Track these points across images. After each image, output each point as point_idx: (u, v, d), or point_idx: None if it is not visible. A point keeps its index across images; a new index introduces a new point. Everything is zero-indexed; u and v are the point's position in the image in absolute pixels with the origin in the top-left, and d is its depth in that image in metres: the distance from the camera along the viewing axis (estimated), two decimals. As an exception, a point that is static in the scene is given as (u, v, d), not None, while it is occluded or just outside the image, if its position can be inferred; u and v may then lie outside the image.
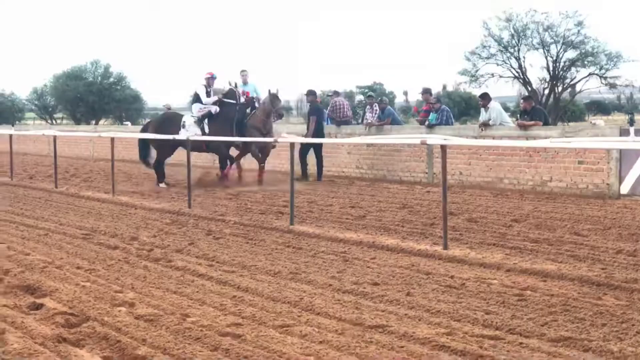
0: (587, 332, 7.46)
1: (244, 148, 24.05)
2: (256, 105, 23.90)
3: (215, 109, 23.36)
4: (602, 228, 13.62)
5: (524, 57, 65.23)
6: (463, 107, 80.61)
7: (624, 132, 17.90)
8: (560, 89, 66.33)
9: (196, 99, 23.82)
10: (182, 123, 23.32)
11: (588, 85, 67.26)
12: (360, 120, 26.51)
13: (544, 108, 42.52)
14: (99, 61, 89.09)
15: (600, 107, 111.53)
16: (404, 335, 7.47)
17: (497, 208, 16.59)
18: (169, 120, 23.96)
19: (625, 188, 18.74)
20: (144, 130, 24.64)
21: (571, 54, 64.25)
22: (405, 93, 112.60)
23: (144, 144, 24.19)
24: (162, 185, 23.16)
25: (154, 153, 23.89)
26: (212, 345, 7.30)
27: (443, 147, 12.79)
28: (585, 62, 64.22)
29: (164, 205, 18.28)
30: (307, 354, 6.99)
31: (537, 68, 64.39)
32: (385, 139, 22.66)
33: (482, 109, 22.56)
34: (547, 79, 64.68)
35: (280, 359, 6.86)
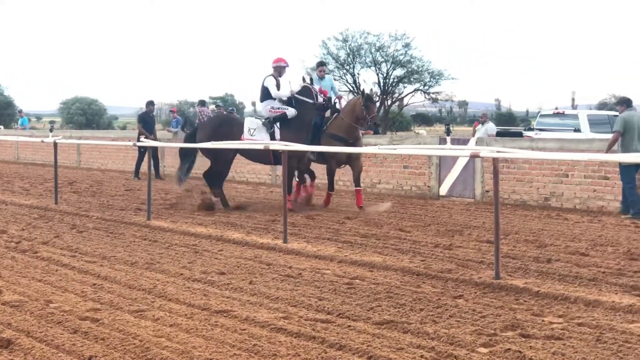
0: (407, 316, 7.59)
1: (324, 163, 17.09)
2: (337, 107, 17.07)
3: (292, 111, 16.38)
4: (422, 225, 13.89)
5: (358, 74, 66.09)
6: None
7: (442, 141, 18.30)
8: (389, 102, 67.57)
9: (265, 94, 16.64)
10: (245, 128, 16.55)
11: (414, 100, 69.03)
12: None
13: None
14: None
15: (424, 119, 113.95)
16: (246, 319, 7.47)
17: (333, 207, 16.74)
18: (227, 124, 17.06)
19: (443, 190, 19.20)
20: (190, 137, 17.24)
21: (399, 71, 65.56)
22: (254, 104, 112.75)
23: (185, 153, 17.32)
24: (215, 198, 16.96)
25: (195, 165, 17.74)
26: (72, 328, 7.17)
27: (284, 152, 12.85)
28: (412, 79, 65.64)
29: (33, 201, 17.85)
30: (159, 336, 6.92)
31: (370, 83, 65.21)
32: (235, 144, 22.60)
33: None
34: (379, 94, 65.67)
35: (134, 341, 6.77)
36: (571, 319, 7.48)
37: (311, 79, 17.30)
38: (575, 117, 28.58)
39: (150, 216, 14.65)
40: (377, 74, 65.70)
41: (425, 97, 67.49)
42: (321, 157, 16.75)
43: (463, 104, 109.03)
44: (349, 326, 7.24)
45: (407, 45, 64.58)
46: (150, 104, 26.37)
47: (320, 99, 16.60)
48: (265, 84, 16.58)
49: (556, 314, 7.69)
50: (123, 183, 23.51)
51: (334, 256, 10.86)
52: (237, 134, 16.43)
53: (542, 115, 30.69)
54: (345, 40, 65.21)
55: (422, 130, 60.05)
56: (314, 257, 10.90)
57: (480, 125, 27.30)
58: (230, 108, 28.08)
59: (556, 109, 33.81)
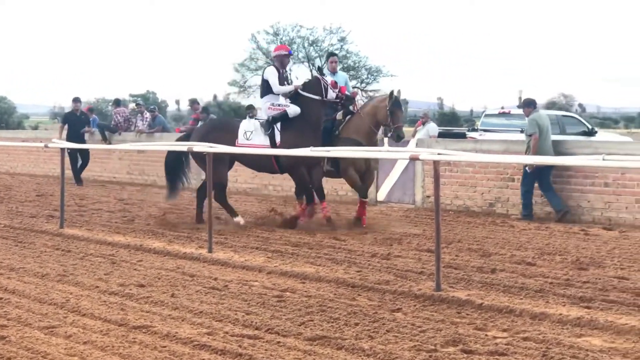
0: (342, 331, 7.60)
1: (339, 171, 15.38)
2: (355, 107, 15.43)
3: (294, 109, 14.81)
4: (358, 233, 13.92)
5: (290, 70, 65.93)
6: (232, 117, 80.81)
7: (380, 144, 18.39)
8: (324, 100, 67.49)
9: (265, 88, 15.13)
10: (240, 131, 15.09)
11: (350, 98, 68.80)
12: (132, 128, 26.14)
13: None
14: None
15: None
16: (167, 335, 7.42)
17: (263, 213, 16.71)
18: (221, 128, 15.73)
19: (381, 195, 19.29)
20: (184, 140, 15.93)
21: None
22: (178, 102, 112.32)
23: (176, 162, 15.63)
24: (240, 219, 15.08)
25: (191, 176, 16.34)
26: (-25, 347, 7.07)
27: (208, 154, 12.80)
28: (348, 76, 65.73)
29: None
30: (71, 355, 6.86)
31: (302, 80, 65.21)
32: (156, 146, 22.47)
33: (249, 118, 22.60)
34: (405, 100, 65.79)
35: (44, 360, 6.70)
36: (516, 333, 7.55)
37: (321, 70, 15.69)
38: (522, 117, 28.81)
39: (63, 224, 14.49)
40: (311, 70, 65.71)
41: (362, 95, 67.74)
42: (335, 169, 15.31)
43: (403, 103, 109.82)
44: (279, 342, 7.23)
45: (342, 40, 64.73)
46: (76, 100, 25.65)
47: (332, 94, 14.86)
48: (265, 77, 15.10)
49: (500, 327, 7.76)
50: (34, 188, 23.22)
51: (262, 267, 10.85)
52: (229, 140, 14.73)
53: (486, 115, 30.90)
54: (276, 34, 65.14)
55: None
56: (241, 268, 10.87)
57: (421, 125, 27.45)
58: (152, 107, 27.82)
59: (502, 108, 34.06)
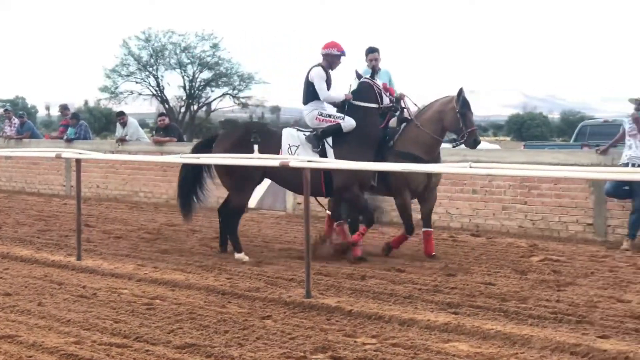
0: (211, 339, 7.55)
1: (389, 188, 12.60)
2: (408, 114, 12.66)
3: (349, 123, 12.09)
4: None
5: (162, 76, 65.66)
6: (104, 123, 79.73)
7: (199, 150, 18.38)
8: (196, 107, 67.43)
9: (309, 93, 12.40)
10: (284, 145, 12.23)
11: (222, 105, 68.97)
12: (0, 134, 25.61)
13: (180, 125, 43.03)
14: None
15: (234, 125, 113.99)
16: (33, 344, 7.27)
17: (132, 220, 16.53)
18: (257, 135, 12.42)
19: (252, 202, 19.23)
20: (201, 149, 12.95)
21: (207, 74, 65.62)
22: (48, 108, 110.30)
23: (193, 177, 12.93)
24: (243, 256, 12.05)
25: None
26: None
27: (78, 161, 12.59)
28: (220, 83, 65.75)
29: None
30: None
31: (174, 87, 64.98)
32: (23, 152, 21.97)
33: (119, 125, 22.42)
34: (184, 98, 65.53)
35: None
36: (385, 339, 7.61)
37: (373, 72, 12.80)
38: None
39: None
40: (183, 77, 65.52)
41: (234, 102, 67.74)
42: (385, 185, 12.56)
43: (276, 110, 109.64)
44: (147, 351, 7.15)
45: (215, 46, 64.73)
46: None
47: (386, 100, 12.46)
48: (310, 78, 12.33)
49: (369, 334, 7.82)
50: None
51: (132, 274, 10.72)
52: (272, 152, 11.99)
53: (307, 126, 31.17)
54: (147, 40, 64.76)
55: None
56: (111, 276, 10.72)
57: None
58: (21, 112, 27.19)
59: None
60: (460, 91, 12.20)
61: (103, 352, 7.06)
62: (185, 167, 12.83)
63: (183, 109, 66.29)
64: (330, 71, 12.36)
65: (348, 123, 12.08)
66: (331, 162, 11.56)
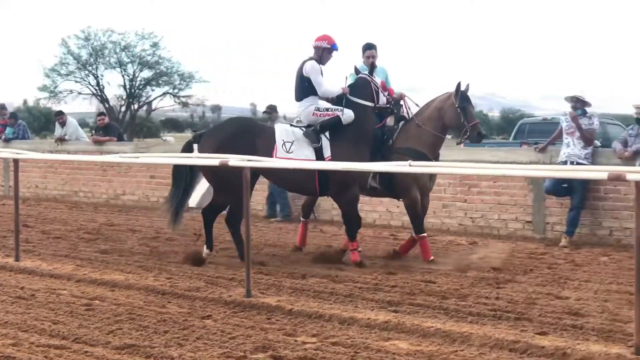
0: (151, 339, 7.50)
1: (391, 189, 12.30)
2: (407, 112, 12.44)
3: (349, 114, 11.66)
4: (168, 239, 13.77)
5: (102, 75, 65.07)
6: (43, 122, 78.91)
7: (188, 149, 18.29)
8: (136, 106, 66.94)
9: (304, 89, 11.88)
10: (278, 141, 11.72)
11: (163, 104, 68.57)
12: None
13: (120, 125, 42.73)
14: None
15: (175, 125, 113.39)
16: (-30, 347, 7.18)
17: (72, 220, 16.39)
18: (249, 132, 11.96)
19: (193, 201, 19.12)
20: (188, 146, 12.42)
21: (147, 73, 65.19)
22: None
23: (186, 185, 12.18)
24: (207, 251, 12.00)
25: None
26: None
27: (16, 161, 12.45)
28: (160, 82, 65.39)
29: None
30: None
31: (114, 86, 64.41)
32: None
33: (58, 125, 22.21)
34: (124, 97, 65.04)
35: None
36: (325, 338, 7.61)
37: (371, 68, 12.27)
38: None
39: None
40: (123, 76, 64.98)
41: (175, 101, 67.37)
42: (388, 186, 12.24)
43: (216, 109, 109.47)
44: (86, 352, 7.09)
45: (155, 45, 64.30)
46: None
47: (383, 98, 12.03)
48: (306, 73, 11.75)
49: (310, 333, 7.82)
50: None
51: (71, 275, 10.63)
52: (265, 149, 11.62)
53: (299, 121, 31.23)
54: (87, 39, 64.08)
55: (169, 137, 59.61)
56: (49, 277, 10.61)
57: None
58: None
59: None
60: (459, 86, 11.96)
61: (41, 354, 6.99)
62: (179, 172, 12.13)
63: (123, 108, 65.76)
64: (321, 65, 11.82)
65: (347, 115, 11.67)
66: (273, 162, 11.37)
